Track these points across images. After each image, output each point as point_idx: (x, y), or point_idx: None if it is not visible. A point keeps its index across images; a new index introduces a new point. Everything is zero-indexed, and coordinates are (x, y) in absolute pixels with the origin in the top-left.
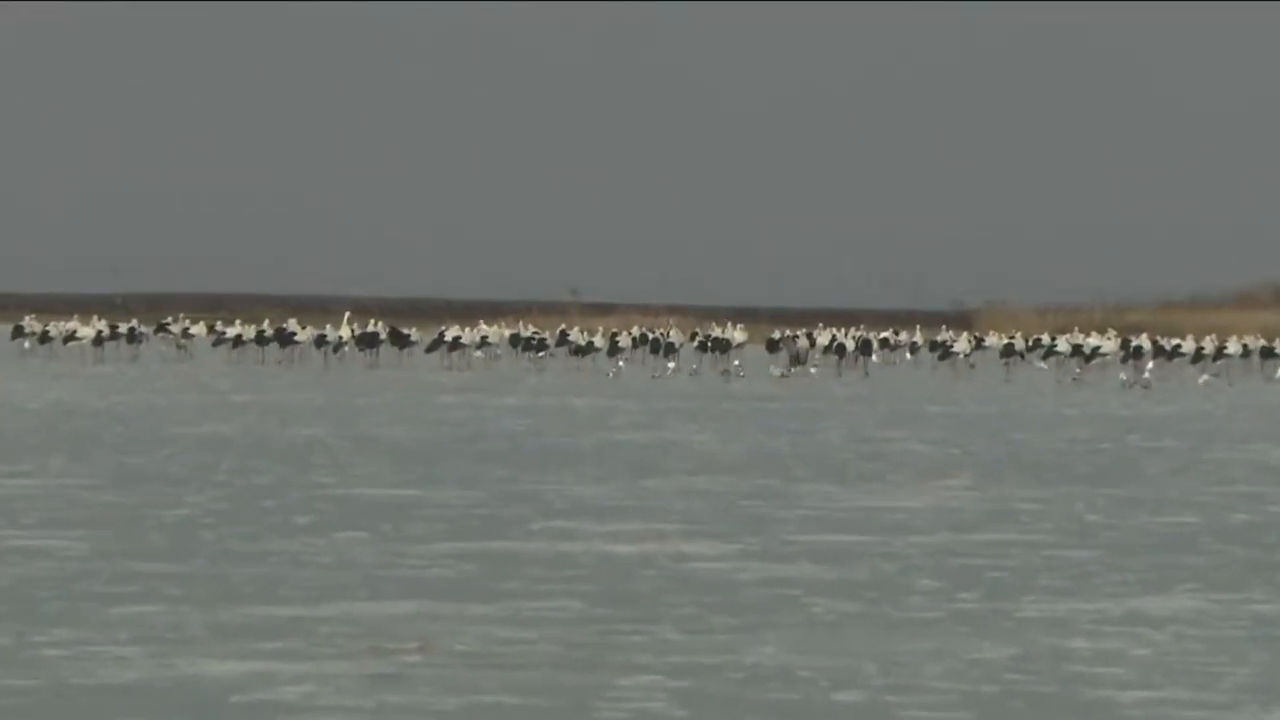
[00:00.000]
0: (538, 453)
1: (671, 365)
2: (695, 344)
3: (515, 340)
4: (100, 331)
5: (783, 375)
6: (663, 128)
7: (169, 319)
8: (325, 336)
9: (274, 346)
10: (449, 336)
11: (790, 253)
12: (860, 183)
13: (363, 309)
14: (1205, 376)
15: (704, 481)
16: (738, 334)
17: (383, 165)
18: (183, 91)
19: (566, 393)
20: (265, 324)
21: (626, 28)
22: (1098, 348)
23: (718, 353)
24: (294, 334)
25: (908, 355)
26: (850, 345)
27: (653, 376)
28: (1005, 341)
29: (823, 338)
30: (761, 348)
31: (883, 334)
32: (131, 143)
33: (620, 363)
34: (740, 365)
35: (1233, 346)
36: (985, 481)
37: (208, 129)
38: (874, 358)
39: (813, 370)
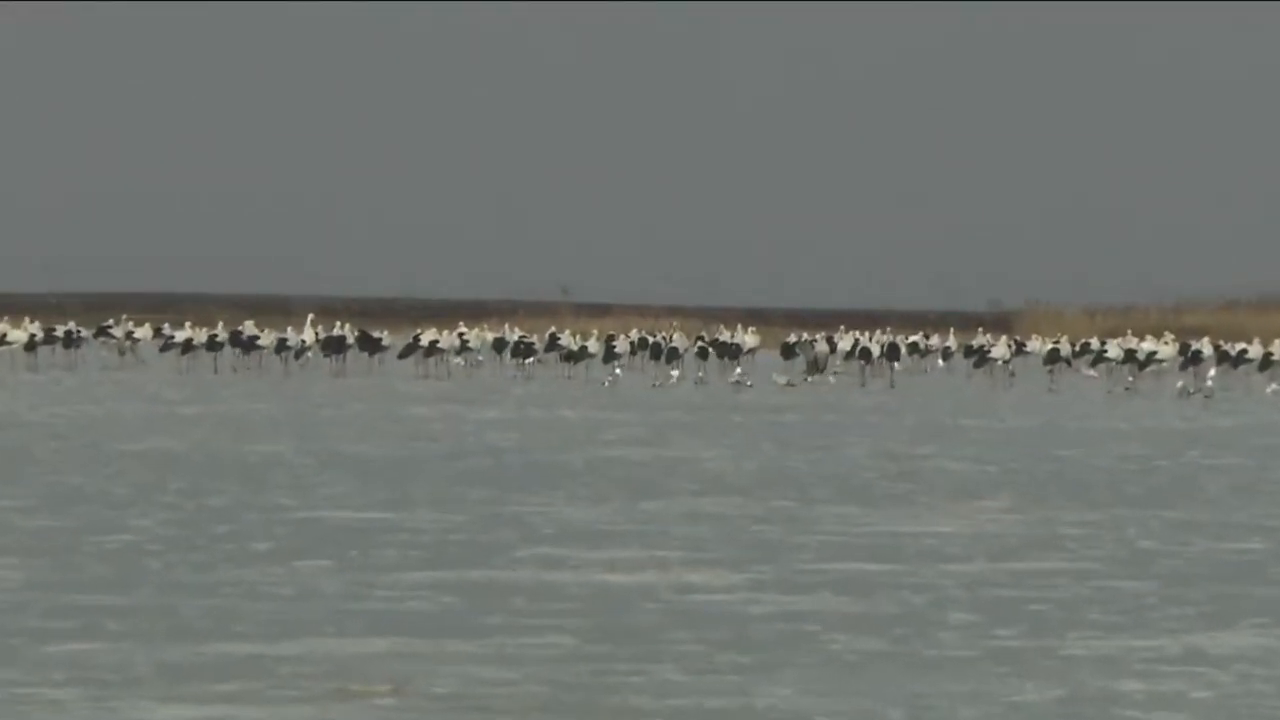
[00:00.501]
0: (524, 471)
1: (675, 373)
2: (700, 349)
3: (499, 345)
4: (33, 335)
5: (789, 384)
6: (666, 120)
7: (111, 321)
8: (286, 341)
9: (229, 352)
10: (424, 340)
11: (807, 248)
12: (885, 171)
13: (328, 310)
14: (1274, 385)
15: (711, 503)
16: (749, 338)
17: (365, 160)
18: (140, 86)
19: (557, 403)
20: (219, 327)
21: (626, 26)
22: (1153, 353)
23: (726, 359)
24: (251, 338)
25: (940, 362)
26: (875, 350)
27: (653, 385)
28: (1049, 346)
29: (844, 342)
30: (775, 353)
31: (911, 338)
32: (91, 141)
33: (617, 370)
34: (746, 373)
35: None
36: (1027, 503)
37: (163, 124)
38: (901, 364)
39: (833, 378)
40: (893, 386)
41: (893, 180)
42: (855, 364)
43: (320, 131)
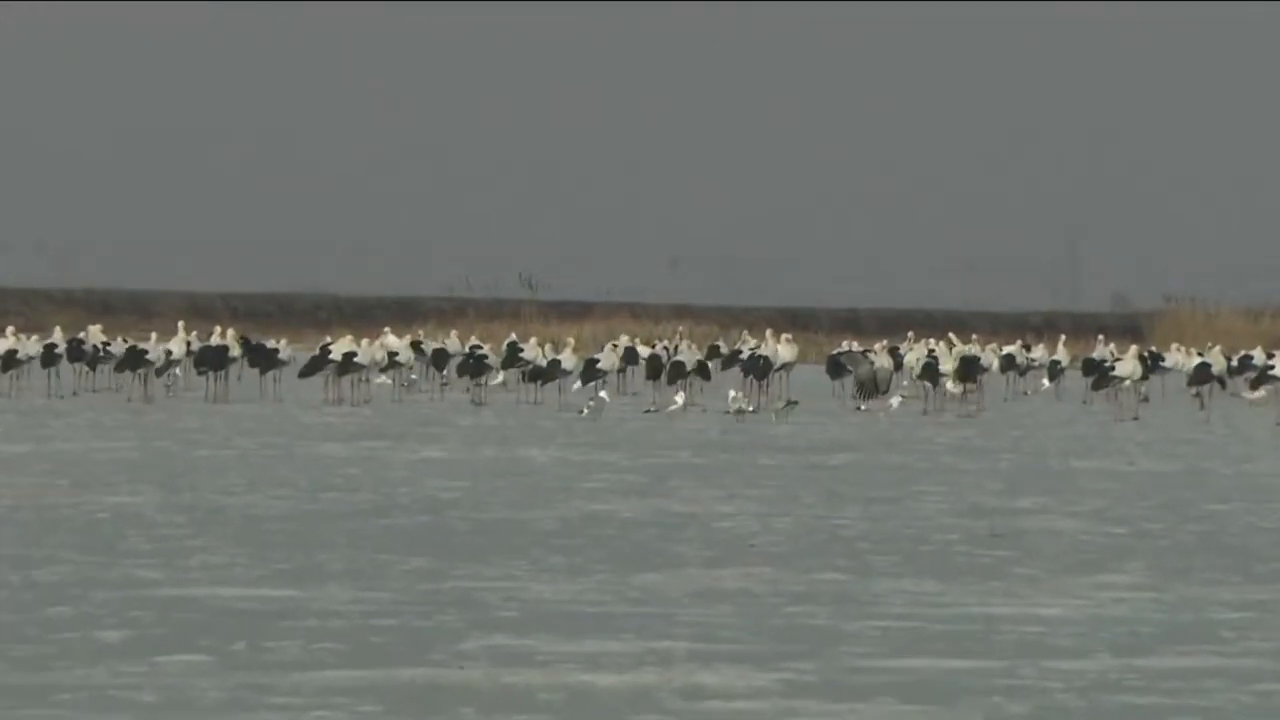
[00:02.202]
0: (475, 532)
1: (680, 398)
2: (714, 363)
3: (440, 358)
4: None
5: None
6: (669, 66)
7: None
8: (145, 352)
9: (67, 368)
10: (336, 353)
11: (859, 228)
12: (967, 128)
13: (203, 310)
14: None
15: (731, 576)
16: (782, 348)
17: (251, 103)
18: None
19: (519, 439)
20: (55, 333)
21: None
22: None
23: (753, 377)
24: (98, 348)
25: (1045, 382)
26: (956, 366)
27: (650, 412)
28: (1196, 361)
29: (913, 354)
30: (819, 369)
31: (1007, 348)
32: None
33: (601, 393)
34: (777, 396)
35: None
36: (1166, 577)
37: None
38: (989, 383)
39: (896, 403)
40: (981, 413)
41: (970, 136)
42: (927, 386)
43: (192, 67)
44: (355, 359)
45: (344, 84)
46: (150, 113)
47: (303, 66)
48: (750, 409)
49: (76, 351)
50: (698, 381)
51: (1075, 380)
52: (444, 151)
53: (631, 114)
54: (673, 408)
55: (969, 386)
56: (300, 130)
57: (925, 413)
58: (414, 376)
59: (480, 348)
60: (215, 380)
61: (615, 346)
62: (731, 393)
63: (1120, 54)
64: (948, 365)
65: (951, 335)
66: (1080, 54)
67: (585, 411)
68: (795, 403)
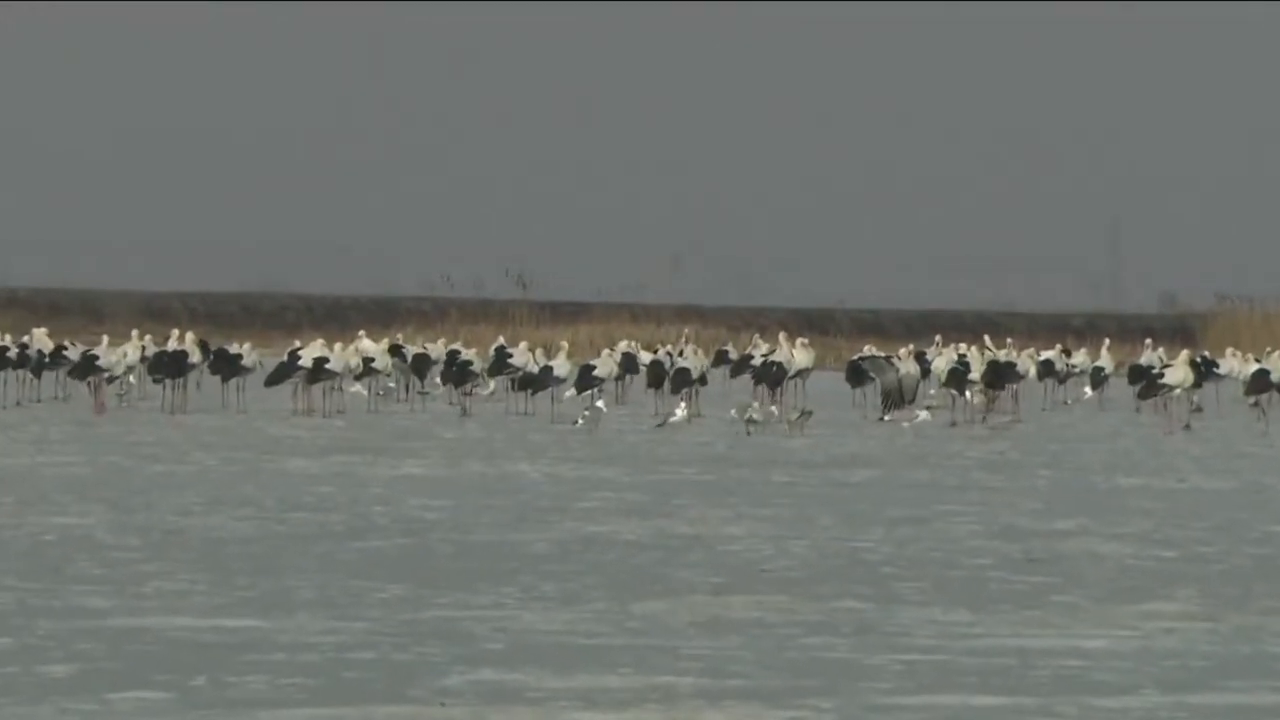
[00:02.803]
0: (460, 556)
1: (681, 409)
2: (720, 369)
3: (421, 365)
4: None
5: (661, 424)
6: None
7: None
8: (96, 359)
9: (10, 374)
10: (307, 359)
11: (882, 222)
12: (1000, 121)
13: (158, 311)
14: None
15: (742, 605)
16: (798, 354)
17: (214, 89)
18: None
19: (508, 454)
20: (3, 338)
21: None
22: None
23: (765, 385)
24: (45, 354)
25: (1087, 391)
26: (983, 372)
27: (655, 424)
28: (1254, 368)
29: (941, 359)
30: (837, 376)
31: (1045, 353)
32: None
33: (599, 402)
34: (792, 407)
35: None
36: (1221, 606)
37: None
38: (1026, 392)
39: (924, 414)
40: (1017, 425)
41: (1004, 128)
42: (955, 394)
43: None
44: (327, 365)
45: (311, 80)
46: (96, 106)
47: (280, 63)
48: (761, 420)
49: (21, 358)
50: (704, 389)
51: (1120, 388)
52: (431, 147)
53: (631, 113)
54: (675, 418)
55: (994, 395)
56: (267, 125)
57: (954, 424)
58: (392, 385)
59: (460, 353)
60: (173, 389)
61: (613, 351)
62: (754, 404)
63: (1169, 47)
64: (980, 371)
65: (986, 339)
66: (1126, 47)
67: (580, 423)
68: (811, 413)
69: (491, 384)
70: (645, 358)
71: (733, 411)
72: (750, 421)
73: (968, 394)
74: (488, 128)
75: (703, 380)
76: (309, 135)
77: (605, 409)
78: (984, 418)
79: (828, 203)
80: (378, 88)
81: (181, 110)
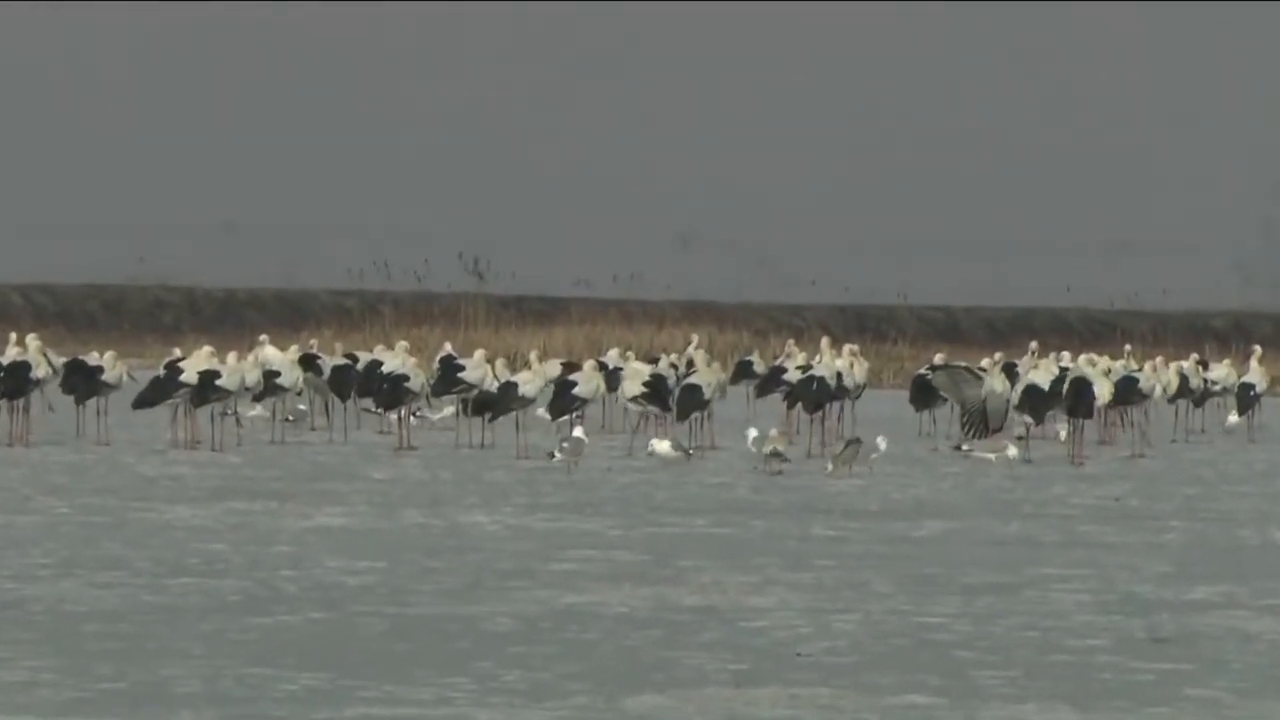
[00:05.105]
0: (394, 635)
1: (579, 430)
2: (742, 385)
3: (341, 380)
4: None
5: (843, 454)
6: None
7: None
8: None
9: None
10: (191, 372)
11: (947, 196)
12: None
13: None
14: None
15: (770, 699)
16: (844, 363)
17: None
18: None
19: (458, 499)
20: None
21: None
22: None
23: (802, 407)
24: None
25: (1232, 417)
26: (1102, 393)
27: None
28: None
29: (1038, 373)
30: (899, 396)
31: (1181, 365)
32: None
33: (577, 430)
34: (772, 436)
35: None
36: None
37: None
38: (1148, 416)
39: (1013, 454)
40: (1138, 460)
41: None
42: (1056, 419)
43: None
44: (217, 382)
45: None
46: None
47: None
48: (785, 453)
49: None
50: (718, 412)
51: (1276, 412)
52: (351, 90)
53: (619, 53)
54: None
55: (1078, 424)
56: (141, 70)
57: (1073, 460)
58: (303, 407)
59: (402, 366)
60: (11, 413)
61: (599, 363)
62: (773, 431)
63: None
64: (1102, 390)
65: (1127, 349)
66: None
67: (556, 457)
68: (859, 443)
69: (447, 407)
70: (642, 370)
71: (749, 443)
72: (776, 456)
73: (1056, 425)
74: (427, 65)
75: (719, 395)
76: (187, 78)
77: (587, 439)
78: (1073, 456)
79: (879, 169)
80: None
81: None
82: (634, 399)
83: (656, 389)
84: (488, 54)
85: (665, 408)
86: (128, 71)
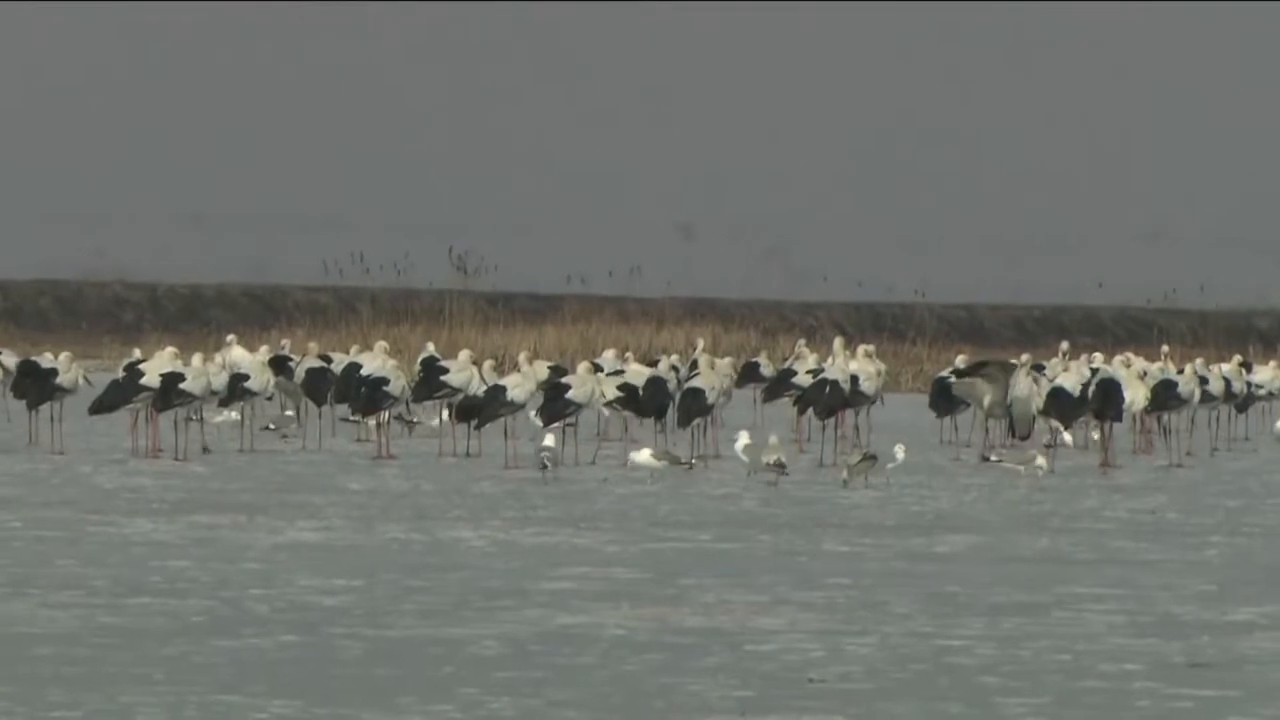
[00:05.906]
0: (372, 659)
1: (550, 437)
2: (749, 389)
3: (315, 384)
4: None
5: (857, 464)
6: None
7: None
8: None
9: None
10: (152, 375)
11: (965, 185)
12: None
13: None
14: None
15: None
16: (857, 364)
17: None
18: None
19: (440, 512)
20: None
21: None
22: None
23: (813, 413)
24: None
25: (1279, 424)
26: (1137, 397)
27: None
28: None
29: (1069, 375)
30: (918, 401)
31: (1221, 368)
32: None
33: (548, 439)
34: (773, 444)
35: None
36: None
37: None
38: (1191, 421)
39: (1041, 467)
40: (1176, 470)
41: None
42: (1089, 427)
43: None
44: (181, 385)
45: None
46: None
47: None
48: (785, 463)
49: None
50: (723, 418)
51: None
52: (332, 70)
53: (621, 40)
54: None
55: (1107, 429)
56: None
57: (1103, 468)
58: (290, 413)
59: (380, 369)
60: None
61: (594, 365)
62: (772, 439)
63: None
64: (1137, 395)
65: (1164, 349)
66: None
67: (546, 467)
68: (874, 458)
69: (437, 415)
70: (640, 372)
71: (740, 450)
72: (777, 467)
73: (1072, 431)
74: (409, 48)
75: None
76: (149, 61)
77: (556, 448)
78: (1103, 464)
79: (896, 153)
80: None
81: None
82: (609, 403)
83: (632, 394)
84: (472, 38)
85: (642, 413)
86: (84, 54)
